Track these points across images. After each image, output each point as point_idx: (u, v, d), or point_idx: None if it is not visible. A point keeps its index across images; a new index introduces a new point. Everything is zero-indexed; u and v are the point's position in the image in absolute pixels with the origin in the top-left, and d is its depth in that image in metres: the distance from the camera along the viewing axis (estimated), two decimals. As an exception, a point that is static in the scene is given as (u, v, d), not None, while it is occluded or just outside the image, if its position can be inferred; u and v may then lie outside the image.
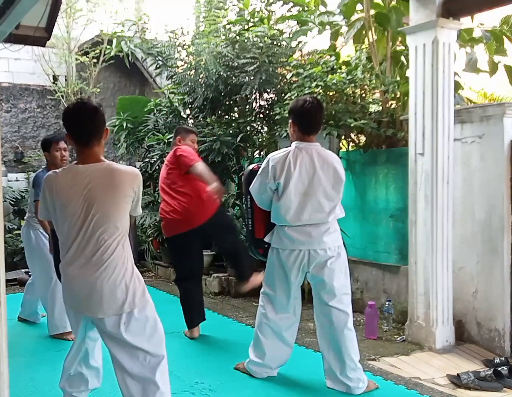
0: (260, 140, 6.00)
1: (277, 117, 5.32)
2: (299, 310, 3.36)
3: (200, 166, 4.00)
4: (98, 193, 2.29)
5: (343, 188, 3.22)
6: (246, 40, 5.76)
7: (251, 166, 3.45)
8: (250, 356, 3.44)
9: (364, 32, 5.00)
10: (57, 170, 2.43)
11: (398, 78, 4.92)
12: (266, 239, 3.30)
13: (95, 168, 2.35)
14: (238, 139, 5.83)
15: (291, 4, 5.91)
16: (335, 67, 5.09)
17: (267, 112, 6.25)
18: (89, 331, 2.48)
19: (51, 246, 4.00)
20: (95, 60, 7.91)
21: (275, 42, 5.88)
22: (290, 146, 3.21)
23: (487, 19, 4.94)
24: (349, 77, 4.83)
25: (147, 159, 6.42)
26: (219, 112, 6.42)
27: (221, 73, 5.80)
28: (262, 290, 3.43)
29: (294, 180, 3.09)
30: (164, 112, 6.57)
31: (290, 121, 3.26)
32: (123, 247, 2.33)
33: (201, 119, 6.36)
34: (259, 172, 3.23)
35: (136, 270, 2.38)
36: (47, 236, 3.96)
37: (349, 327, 3.18)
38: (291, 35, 5.84)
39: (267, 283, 3.37)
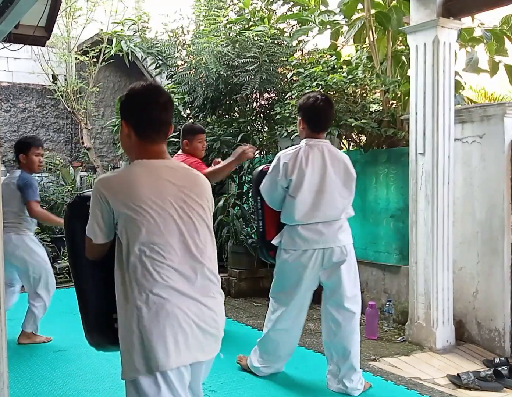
0: (260, 139, 6.00)
1: (278, 116, 5.31)
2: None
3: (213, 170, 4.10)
4: (192, 195, 1.82)
5: (354, 186, 3.16)
6: (246, 39, 5.76)
7: (260, 167, 3.39)
8: (255, 356, 3.39)
9: (364, 31, 5.00)
10: (116, 172, 1.82)
11: (398, 78, 4.91)
12: (274, 242, 3.20)
13: (177, 164, 1.90)
14: (239, 138, 5.82)
15: (291, 3, 5.91)
16: (335, 66, 5.09)
17: (268, 111, 6.26)
18: None
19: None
20: (94, 60, 7.90)
21: (275, 42, 5.88)
22: (292, 144, 3.18)
23: (488, 19, 4.93)
24: (349, 76, 4.82)
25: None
26: (220, 111, 6.42)
27: (222, 73, 5.79)
28: (272, 295, 3.32)
29: (307, 177, 3.03)
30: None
31: (299, 118, 3.19)
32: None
33: (201, 118, 6.35)
34: (269, 170, 3.16)
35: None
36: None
37: (357, 331, 3.15)
38: (291, 35, 5.83)
39: (278, 288, 3.25)
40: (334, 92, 4.88)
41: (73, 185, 7.56)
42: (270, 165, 3.24)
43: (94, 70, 7.99)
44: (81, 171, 8.23)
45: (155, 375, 1.68)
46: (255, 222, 3.40)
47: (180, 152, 4.07)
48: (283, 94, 5.72)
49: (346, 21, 5.07)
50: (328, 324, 3.19)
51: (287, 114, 5.14)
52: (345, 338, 3.12)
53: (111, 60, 7.51)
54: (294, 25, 6.21)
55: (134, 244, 1.70)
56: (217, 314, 1.92)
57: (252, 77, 5.71)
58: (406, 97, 4.73)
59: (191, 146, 3.92)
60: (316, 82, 4.83)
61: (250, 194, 6.04)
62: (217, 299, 1.93)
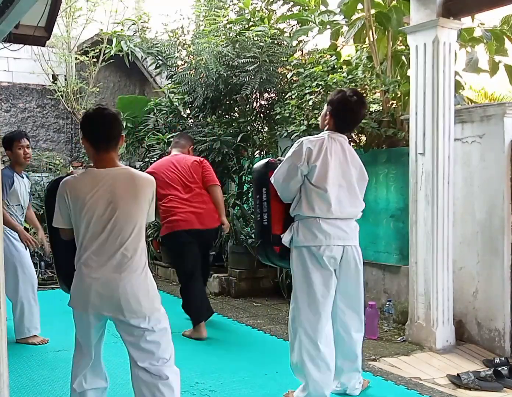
0: (260, 139, 6.00)
1: (278, 116, 5.32)
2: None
3: (219, 190, 4.45)
4: (121, 196, 2.32)
5: (365, 188, 3.06)
6: (246, 40, 5.76)
7: (265, 160, 3.17)
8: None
9: (364, 31, 5.00)
10: (74, 175, 2.43)
11: (398, 78, 4.91)
12: (284, 239, 2.94)
13: (116, 172, 2.37)
14: (239, 138, 5.83)
15: (291, 3, 5.91)
16: (335, 66, 5.09)
17: (268, 111, 6.26)
18: (101, 335, 2.48)
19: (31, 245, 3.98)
20: (94, 60, 7.90)
21: (275, 42, 5.88)
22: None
23: (488, 19, 4.93)
24: (349, 76, 4.82)
25: (147, 159, 6.41)
26: (220, 111, 6.42)
27: (222, 73, 5.80)
28: (294, 306, 2.96)
29: (331, 168, 2.85)
30: (164, 111, 6.57)
31: (327, 111, 2.98)
32: (143, 251, 2.37)
33: (201, 118, 6.36)
34: (288, 155, 2.91)
35: (151, 276, 2.40)
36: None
37: (363, 334, 3.11)
38: (291, 35, 5.83)
39: (301, 294, 2.91)
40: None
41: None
42: (276, 159, 3.10)
43: (94, 70, 7.99)
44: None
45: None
46: (257, 218, 3.10)
47: (175, 151, 4.60)
48: (283, 94, 5.72)
49: (346, 21, 5.07)
50: (337, 327, 3.03)
51: (287, 114, 5.14)
52: (353, 342, 3.05)
53: (111, 60, 7.51)
54: (294, 25, 6.21)
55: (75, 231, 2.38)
56: None
57: (252, 77, 5.71)
58: (406, 97, 4.73)
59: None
60: (316, 82, 4.83)
61: (251, 193, 6.04)
62: None
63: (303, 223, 2.89)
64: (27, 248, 4.08)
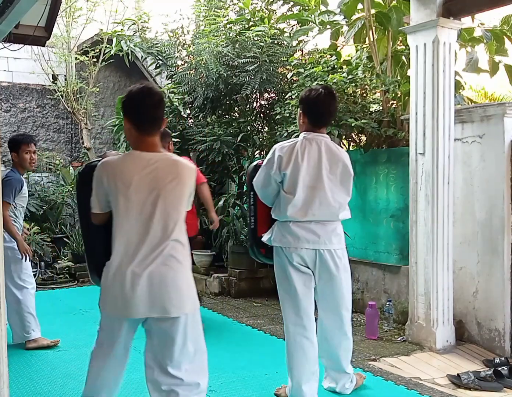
0: (260, 139, 5.99)
1: (278, 116, 5.32)
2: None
3: (207, 188, 4.28)
4: (165, 183, 2.17)
5: (352, 185, 3.02)
6: (246, 40, 5.76)
7: (255, 162, 3.21)
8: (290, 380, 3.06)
9: (364, 31, 5.00)
10: (115, 157, 2.25)
11: (398, 78, 4.91)
12: (263, 239, 3.03)
13: (160, 157, 2.22)
14: (239, 138, 5.83)
15: (291, 3, 5.91)
16: (335, 66, 5.09)
17: (268, 111, 6.26)
18: (130, 340, 2.28)
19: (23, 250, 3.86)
20: (94, 60, 7.89)
21: (275, 42, 5.88)
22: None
23: (488, 19, 4.93)
24: (349, 76, 4.83)
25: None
26: (220, 111, 6.42)
27: (222, 73, 5.80)
28: (281, 302, 3.07)
29: (302, 172, 2.87)
30: (164, 111, 6.56)
31: (299, 111, 3.02)
32: (186, 245, 2.23)
33: (202, 118, 6.36)
34: (264, 163, 2.99)
35: None
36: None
37: (348, 336, 3.09)
38: (291, 35, 5.83)
39: (281, 289, 3.03)
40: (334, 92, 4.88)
41: (73, 185, 7.55)
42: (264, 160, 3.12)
43: (94, 70, 7.98)
44: (81, 171, 8.22)
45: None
46: (247, 220, 3.20)
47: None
48: (283, 94, 5.72)
49: (346, 21, 5.07)
50: (321, 327, 3.09)
51: (287, 114, 5.14)
52: (333, 344, 3.06)
53: (111, 60, 7.51)
54: (294, 25, 6.21)
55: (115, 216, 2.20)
56: None
57: (252, 77, 5.71)
58: (406, 97, 4.73)
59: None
60: (316, 82, 4.83)
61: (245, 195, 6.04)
62: None
63: (278, 226, 2.98)
64: (25, 258, 3.94)
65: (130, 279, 2.10)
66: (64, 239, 7.13)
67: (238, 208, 5.94)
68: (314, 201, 2.89)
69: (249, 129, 6.09)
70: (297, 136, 4.77)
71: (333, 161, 2.93)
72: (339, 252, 2.97)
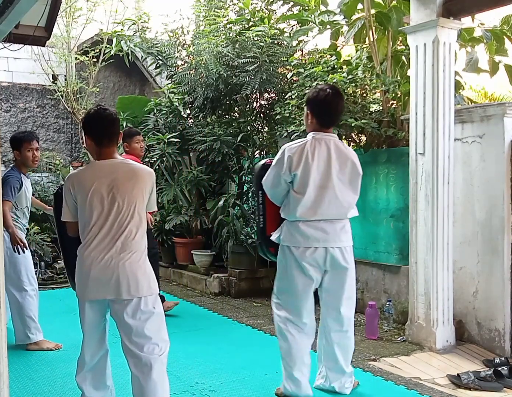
0: (260, 139, 5.99)
1: (278, 116, 5.31)
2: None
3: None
4: (122, 183, 2.49)
5: (360, 184, 3.03)
6: (246, 40, 5.76)
7: (263, 161, 3.22)
8: (285, 377, 3.09)
9: (364, 31, 5.00)
10: (78, 170, 2.64)
11: (398, 78, 4.91)
12: (272, 238, 3.06)
13: (116, 162, 2.57)
14: (239, 138, 5.83)
15: (291, 3, 5.91)
16: (335, 66, 5.09)
17: (268, 111, 6.25)
18: (106, 324, 2.68)
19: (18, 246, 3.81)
20: (94, 60, 7.90)
21: (275, 42, 5.88)
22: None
23: (488, 19, 4.93)
24: (349, 76, 4.82)
25: (147, 159, 6.41)
26: (220, 111, 6.42)
27: (222, 73, 5.80)
28: (274, 297, 3.15)
29: (313, 172, 2.89)
30: (164, 111, 6.56)
31: (307, 111, 3.04)
32: (142, 237, 2.53)
33: (202, 118, 6.36)
34: (273, 163, 3.01)
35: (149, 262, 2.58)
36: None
37: (348, 336, 3.10)
38: (291, 35, 5.83)
39: (280, 287, 3.11)
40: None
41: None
42: (273, 159, 3.12)
43: (94, 70, 7.99)
44: (81, 171, 8.22)
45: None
46: (256, 219, 3.22)
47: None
48: (283, 94, 5.72)
49: (346, 21, 5.07)
50: (324, 326, 3.12)
51: (287, 114, 5.14)
52: (332, 343, 3.08)
53: (111, 60, 7.51)
54: (294, 25, 6.21)
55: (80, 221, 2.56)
56: None
57: (252, 77, 5.71)
58: (406, 97, 4.73)
59: (130, 147, 4.70)
60: (316, 82, 4.83)
61: (251, 194, 6.04)
62: None
63: (287, 225, 3.02)
64: (17, 251, 3.82)
65: (89, 265, 2.47)
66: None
67: (238, 208, 5.94)
68: (323, 200, 2.92)
69: (249, 129, 6.09)
70: (297, 136, 4.80)
71: (342, 161, 2.96)
72: (348, 249, 3.02)
